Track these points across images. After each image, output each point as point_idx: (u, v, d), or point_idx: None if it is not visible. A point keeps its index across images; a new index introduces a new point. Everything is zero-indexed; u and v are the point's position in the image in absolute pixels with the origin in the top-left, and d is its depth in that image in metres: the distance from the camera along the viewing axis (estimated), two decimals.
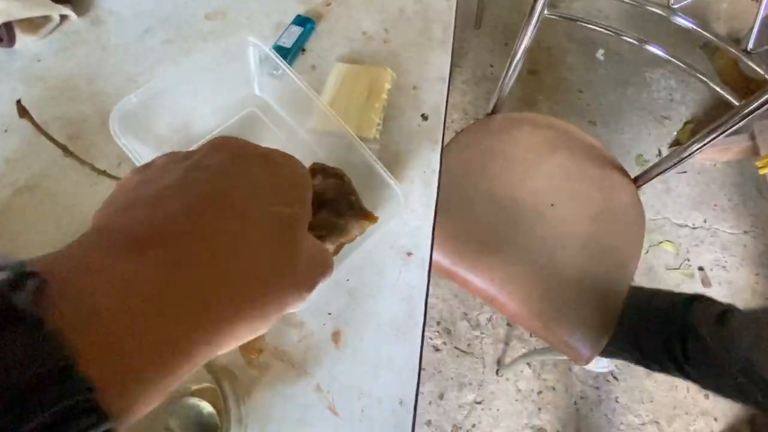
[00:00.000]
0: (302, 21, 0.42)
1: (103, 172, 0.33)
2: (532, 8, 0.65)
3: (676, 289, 1.21)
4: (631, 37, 0.66)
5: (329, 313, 0.30)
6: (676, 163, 0.69)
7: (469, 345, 1.14)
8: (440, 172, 0.36)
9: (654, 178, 0.75)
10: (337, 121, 0.29)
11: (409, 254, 0.32)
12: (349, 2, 0.45)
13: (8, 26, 0.39)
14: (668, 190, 1.32)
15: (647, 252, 1.23)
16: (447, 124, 0.38)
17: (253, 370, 0.28)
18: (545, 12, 0.65)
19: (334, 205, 0.26)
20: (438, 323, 1.15)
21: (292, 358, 0.28)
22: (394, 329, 0.30)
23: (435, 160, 0.36)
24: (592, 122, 1.42)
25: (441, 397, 1.09)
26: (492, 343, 1.13)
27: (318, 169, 0.28)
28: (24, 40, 0.40)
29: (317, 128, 0.32)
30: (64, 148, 0.33)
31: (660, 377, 1.07)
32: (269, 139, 0.35)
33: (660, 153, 1.36)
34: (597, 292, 0.68)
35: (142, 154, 0.27)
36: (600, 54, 1.51)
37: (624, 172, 0.79)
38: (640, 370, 1.06)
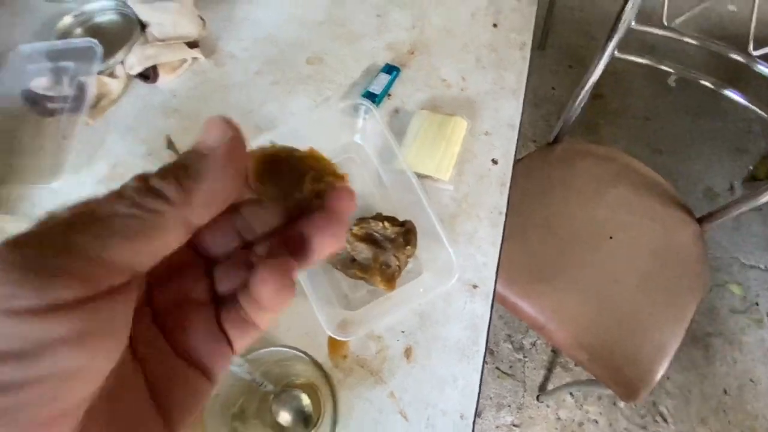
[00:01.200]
0: (389, 69, 0.48)
1: None
2: (604, 46, 0.67)
3: (740, 335, 1.15)
4: (708, 81, 0.65)
5: (402, 332, 0.35)
6: (751, 202, 0.68)
7: (510, 367, 1.15)
8: (507, 213, 0.40)
9: (723, 217, 0.74)
10: (411, 175, 0.35)
11: (474, 287, 0.37)
12: (431, 51, 0.50)
13: (154, 68, 0.48)
14: (738, 227, 1.25)
15: (711, 291, 1.17)
16: None
17: (338, 373, 0.33)
18: (616, 53, 0.67)
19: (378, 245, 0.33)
20: None
21: (371, 366, 0.34)
22: (458, 352, 0.34)
23: (502, 203, 0.40)
24: (657, 151, 1.37)
25: (479, 415, 1.11)
26: (534, 368, 1.13)
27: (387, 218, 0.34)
28: (164, 79, 0.49)
29: (397, 170, 0.38)
30: None
31: (715, 425, 1.02)
32: (359, 180, 0.41)
33: (732, 187, 1.29)
34: (650, 330, 0.68)
35: None
36: (671, 80, 1.45)
37: (687, 210, 0.78)
38: (694, 413, 1.02)
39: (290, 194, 0.14)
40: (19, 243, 0.10)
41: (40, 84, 0.47)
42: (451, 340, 0.35)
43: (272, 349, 0.30)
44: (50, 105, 0.47)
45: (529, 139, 1.41)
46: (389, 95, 0.47)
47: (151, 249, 0.12)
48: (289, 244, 0.15)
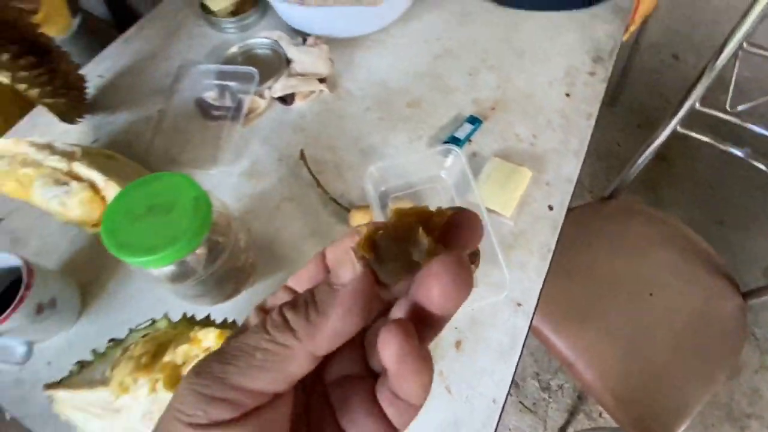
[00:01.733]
0: (473, 119, 0.60)
1: (333, 200, 0.53)
2: (666, 123, 0.74)
3: None
4: None
5: (456, 327, 0.45)
6: None
7: (534, 404, 1.18)
8: (554, 252, 0.49)
9: None
10: (482, 207, 0.45)
11: (519, 305, 0.46)
12: (509, 110, 0.61)
13: (292, 95, 0.63)
14: None
15: (756, 373, 1.15)
16: None
17: None
18: (678, 128, 0.74)
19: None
20: None
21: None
22: (498, 352, 0.44)
23: (552, 243, 0.49)
24: (719, 221, 1.37)
25: None
26: (558, 409, 1.16)
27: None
28: (297, 104, 0.64)
29: (470, 202, 0.48)
30: (317, 181, 0.54)
31: None
32: (438, 203, 0.52)
33: None
34: (676, 388, 0.72)
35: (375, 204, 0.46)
36: (743, 152, 1.44)
37: (733, 283, 0.81)
38: None
39: (407, 254, 0.14)
40: (196, 370, 0.14)
41: (210, 96, 0.63)
42: (494, 341, 0.44)
43: None
44: (215, 113, 0.63)
45: (587, 190, 1.46)
46: (470, 141, 0.58)
47: (283, 377, 0.14)
48: (415, 311, 0.15)
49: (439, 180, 0.53)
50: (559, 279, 0.82)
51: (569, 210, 0.52)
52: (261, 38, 0.68)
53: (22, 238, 0.53)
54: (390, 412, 0.15)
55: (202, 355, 0.34)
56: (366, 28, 0.69)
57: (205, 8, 0.72)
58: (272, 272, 0.50)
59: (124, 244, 0.34)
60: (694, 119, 0.72)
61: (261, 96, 0.63)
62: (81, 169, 0.48)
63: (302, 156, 0.56)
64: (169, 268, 0.37)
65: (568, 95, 0.62)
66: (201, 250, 0.39)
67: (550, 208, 0.52)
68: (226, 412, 0.13)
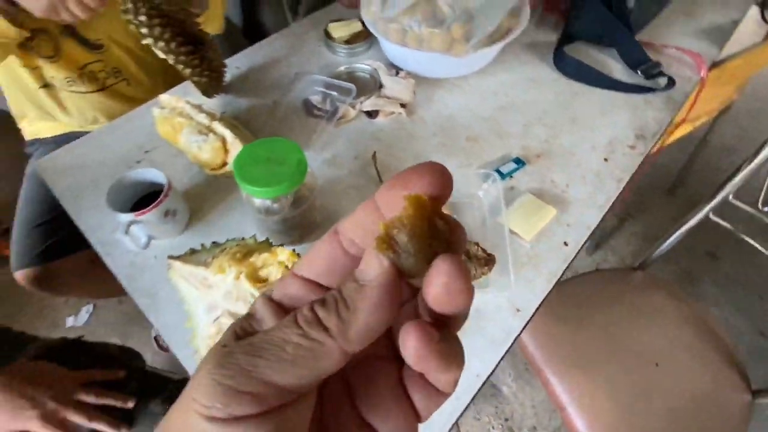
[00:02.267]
0: (518, 161, 0.71)
1: None
2: (698, 208, 0.80)
3: None
4: None
5: None
6: None
7: None
8: (558, 281, 0.58)
9: None
10: (506, 227, 0.56)
11: (518, 310, 0.55)
12: (552, 160, 0.72)
13: (377, 111, 0.79)
14: None
15: None
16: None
17: None
18: (711, 215, 0.80)
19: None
20: (506, 419, 1.24)
21: None
22: (490, 340, 0.53)
23: (559, 271, 0.58)
24: (763, 335, 1.32)
25: None
26: None
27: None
28: (379, 119, 0.79)
29: (498, 223, 0.59)
30: (380, 178, 0.67)
31: None
32: (470, 219, 0.63)
33: None
34: None
35: None
36: None
37: (745, 377, 0.82)
38: None
39: (425, 245, 0.14)
40: (219, 361, 0.14)
41: (315, 99, 0.81)
42: (489, 331, 0.53)
43: None
44: (315, 112, 0.80)
45: (619, 257, 1.48)
46: (511, 177, 0.70)
47: (313, 374, 0.14)
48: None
49: (476, 198, 0.64)
50: (571, 327, 0.87)
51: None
52: (364, 64, 0.86)
53: (159, 166, 0.72)
54: (417, 397, 0.15)
55: (276, 267, 0.47)
56: (449, 73, 0.84)
57: (327, 34, 0.92)
58: None
59: (246, 177, 0.49)
60: (752, 223, 0.77)
61: (353, 107, 0.80)
62: (218, 127, 0.65)
63: (374, 157, 0.70)
64: (267, 203, 0.52)
65: (606, 160, 0.72)
66: (290, 197, 0.53)
67: (566, 244, 0.61)
68: (248, 408, 0.13)
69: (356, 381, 0.16)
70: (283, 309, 0.16)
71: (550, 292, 0.57)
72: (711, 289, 1.40)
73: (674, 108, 0.80)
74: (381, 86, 0.82)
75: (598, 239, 1.47)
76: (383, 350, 0.17)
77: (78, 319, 1.40)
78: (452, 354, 0.15)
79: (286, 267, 0.46)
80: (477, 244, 0.57)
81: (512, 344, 0.53)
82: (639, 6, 0.89)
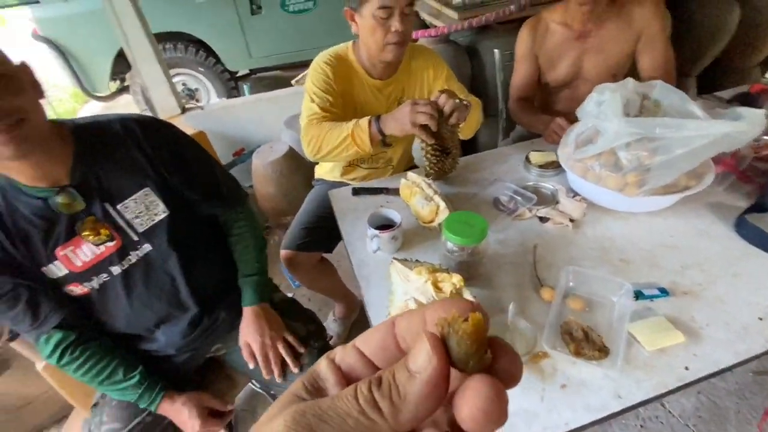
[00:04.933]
0: (663, 290, 0.83)
1: (536, 275, 0.87)
2: None
3: None
4: None
5: (565, 375, 0.70)
6: None
7: None
8: (668, 392, 0.67)
9: None
10: (627, 329, 0.70)
11: (619, 396, 0.67)
12: (698, 300, 0.81)
13: (548, 219, 1.03)
14: None
15: None
16: None
17: None
18: None
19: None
20: None
21: None
22: (584, 403, 0.66)
23: (669, 386, 0.68)
24: None
25: None
26: None
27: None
28: (548, 224, 1.03)
29: (618, 326, 0.73)
30: (534, 262, 0.90)
31: None
32: (599, 314, 0.78)
33: None
34: None
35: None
36: None
37: None
38: None
39: (475, 354, 0.17)
40: (295, 417, 0.17)
41: (503, 198, 1.11)
42: (586, 396, 0.67)
43: None
44: (501, 207, 1.09)
45: None
46: (651, 300, 0.82)
47: None
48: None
49: (609, 302, 0.80)
50: None
51: None
52: (549, 184, 1.13)
53: (394, 210, 1.12)
54: None
55: (449, 284, 0.75)
56: (618, 207, 1.03)
57: (527, 158, 1.23)
58: (484, 285, 0.88)
59: (449, 228, 0.81)
60: None
61: (530, 211, 1.06)
62: (437, 198, 1.02)
63: (534, 248, 0.94)
64: (455, 247, 0.82)
65: (760, 319, 0.76)
66: (468, 249, 0.82)
67: (686, 368, 0.70)
68: None
69: None
70: (341, 373, 0.20)
71: (656, 397, 0.67)
72: None
73: None
74: (557, 202, 1.06)
75: None
76: (443, 420, 0.19)
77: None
78: None
79: (455, 285, 0.74)
80: (599, 335, 0.73)
81: (602, 418, 0.65)
82: None
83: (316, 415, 0.17)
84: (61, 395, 1.07)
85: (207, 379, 1.08)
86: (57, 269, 0.84)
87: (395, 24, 1.10)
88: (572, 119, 1.27)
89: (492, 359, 0.18)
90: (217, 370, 1.11)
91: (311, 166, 1.67)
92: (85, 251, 0.86)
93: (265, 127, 2.41)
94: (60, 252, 0.84)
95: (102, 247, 0.86)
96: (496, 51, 1.79)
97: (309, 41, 3.23)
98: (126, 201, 0.87)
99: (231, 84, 3.30)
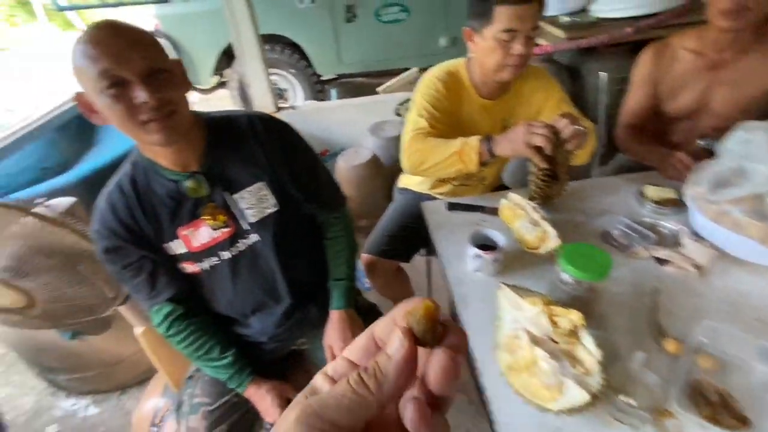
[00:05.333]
0: None
1: (656, 320, 0.79)
2: None
3: None
4: None
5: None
6: None
7: None
8: None
9: None
10: None
11: None
12: None
13: (666, 261, 0.94)
14: None
15: None
16: None
17: None
18: None
19: None
20: None
21: None
22: None
23: None
24: None
25: None
26: None
27: None
28: (667, 268, 0.93)
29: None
30: (656, 307, 0.82)
31: None
32: (735, 375, 0.69)
33: None
34: None
35: None
36: None
37: None
38: None
39: (430, 328, 0.23)
40: (305, 410, 0.22)
41: (614, 233, 1.03)
42: None
43: None
44: (612, 242, 1.01)
45: None
46: None
47: (360, 417, 0.22)
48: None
49: (747, 365, 0.70)
50: None
51: None
52: (670, 224, 1.03)
53: (493, 230, 1.08)
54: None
55: (566, 320, 0.69)
56: (758, 259, 0.90)
57: (642, 194, 1.14)
58: (598, 325, 0.82)
59: (568, 260, 0.76)
60: None
61: (646, 249, 0.97)
62: (545, 224, 0.97)
63: (654, 290, 0.86)
64: (570, 279, 0.77)
65: None
66: (585, 284, 0.76)
67: None
68: None
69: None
70: (334, 382, 0.24)
71: None
72: None
73: None
74: (679, 244, 0.97)
75: None
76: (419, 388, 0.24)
77: None
78: (438, 425, 0.22)
79: (573, 322, 0.69)
80: (737, 401, 0.64)
81: None
82: None
83: (319, 403, 0.22)
84: (147, 359, 1.15)
85: (288, 370, 1.11)
86: (177, 246, 0.91)
87: (518, 47, 1.07)
88: (692, 153, 1.16)
89: (443, 334, 0.23)
90: (298, 363, 1.14)
91: (390, 174, 1.68)
92: (203, 233, 0.91)
93: (350, 131, 2.48)
94: (182, 231, 0.90)
95: (218, 232, 0.92)
96: (602, 74, 1.69)
97: (397, 51, 3.30)
98: (242, 191, 0.92)
99: (318, 87, 3.44)
